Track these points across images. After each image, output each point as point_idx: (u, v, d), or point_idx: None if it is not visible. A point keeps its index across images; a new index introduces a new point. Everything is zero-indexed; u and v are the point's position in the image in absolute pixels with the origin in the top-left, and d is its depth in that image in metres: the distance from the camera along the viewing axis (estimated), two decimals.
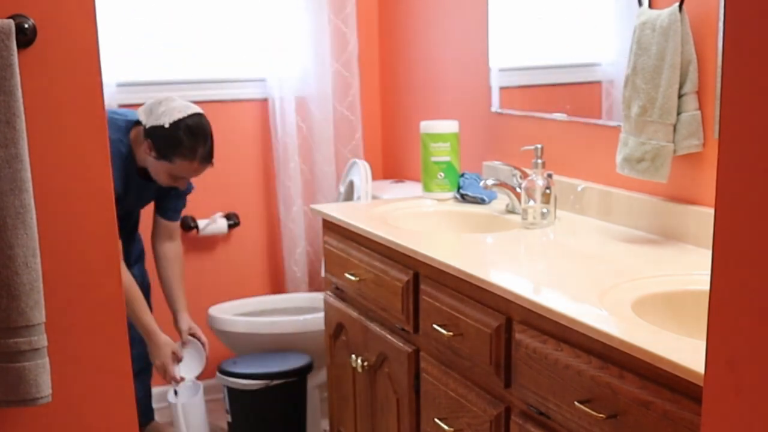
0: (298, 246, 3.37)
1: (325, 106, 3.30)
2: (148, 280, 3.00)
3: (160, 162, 2.58)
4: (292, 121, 3.31)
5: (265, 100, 3.30)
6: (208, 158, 2.61)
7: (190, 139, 2.56)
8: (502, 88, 2.70)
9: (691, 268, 1.73)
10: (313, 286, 3.44)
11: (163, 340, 2.76)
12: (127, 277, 2.65)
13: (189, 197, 3.09)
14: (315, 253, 3.42)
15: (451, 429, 1.90)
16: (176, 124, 2.55)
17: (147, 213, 2.94)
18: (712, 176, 1.64)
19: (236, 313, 3.14)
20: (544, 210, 2.22)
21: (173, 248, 2.92)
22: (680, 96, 1.87)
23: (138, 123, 2.65)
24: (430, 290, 1.98)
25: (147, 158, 2.61)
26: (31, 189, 1.36)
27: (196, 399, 2.81)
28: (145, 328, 2.73)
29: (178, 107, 2.58)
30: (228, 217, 3.34)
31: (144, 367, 2.91)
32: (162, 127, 2.55)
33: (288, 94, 3.27)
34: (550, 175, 2.25)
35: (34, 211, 1.37)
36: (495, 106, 2.72)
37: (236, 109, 3.30)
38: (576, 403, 1.46)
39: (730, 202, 0.79)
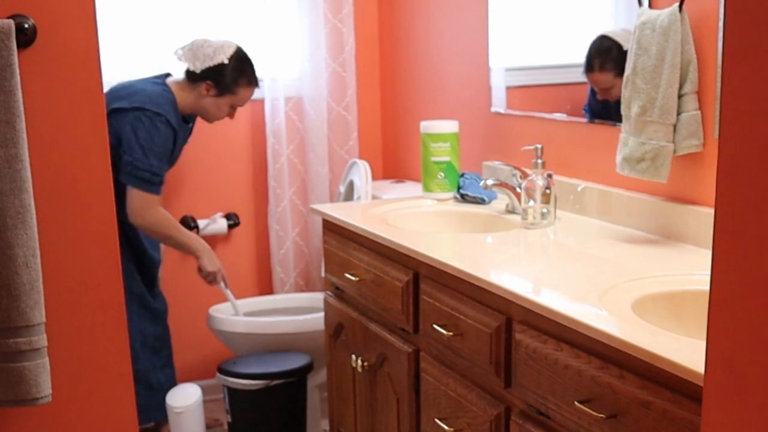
0: (294, 245, 3.38)
1: (320, 107, 3.30)
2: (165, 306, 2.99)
3: (223, 97, 2.81)
4: (291, 121, 3.31)
5: (263, 100, 3.30)
6: (258, 82, 2.91)
7: (248, 67, 2.83)
8: (502, 88, 2.70)
9: (691, 268, 1.73)
10: (310, 286, 3.44)
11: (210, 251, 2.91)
12: (160, 213, 2.73)
13: (189, 197, 3.09)
14: (311, 253, 3.42)
15: (451, 429, 1.90)
16: (235, 58, 2.79)
17: None
18: (712, 176, 1.64)
19: (236, 313, 3.14)
20: (544, 210, 2.22)
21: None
22: (680, 96, 1.87)
23: (167, 76, 2.84)
24: (430, 290, 1.98)
25: (204, 100, 2.80)
26: (31, 189, 1.36)
27: (195, 405, 2.80)
28: (192, 247, 2.84)
29: (222, 44, 2.80)
30: (228, 217, 3.34)
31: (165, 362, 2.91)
32: (223, 64, 2.77)
33: (285, 94, 3.27)
34: (550, 175, 2.25)
35: (34, 211, 1.37)
36: (495, 106, 2.72)
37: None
38: (576, 403, 1.46)
39: (730, 202, 0.79)
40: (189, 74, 2.81)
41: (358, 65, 3.39)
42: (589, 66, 2.34)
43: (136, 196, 2.67)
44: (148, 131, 2.67)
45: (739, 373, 0.79)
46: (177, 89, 2.81)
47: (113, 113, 2.65)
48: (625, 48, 2.14)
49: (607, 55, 2.30)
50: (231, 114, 2.91)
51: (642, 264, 1.81)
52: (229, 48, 2.80)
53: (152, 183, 2.69)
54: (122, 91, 2.77)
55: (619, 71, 2.15)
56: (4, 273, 1.35)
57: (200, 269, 2.90)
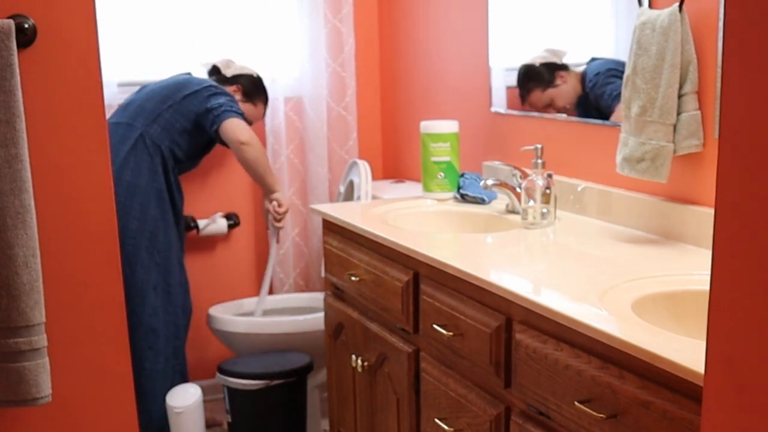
0: (294, 246, 3.38)
1: (320, 107, 3.30)
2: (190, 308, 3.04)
3: (245, 104, 3.05)
4: (290, 121, 3.31)
5: None
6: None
7: (265, 90, 3.13)
8: (502, 88, 2.70)
9: (691, 268, 1.73)
10: (310, 286, 3.44)
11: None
12: (258, 148, 2.92)
13: (189, 197, 3.10)
14: (311, 254, 3.42)
15: (451, 429, 1.90)
16: (258, 77, 3.12)
17: None
18: (712, 176, 1.64)
19: (236, 313, 3.14)
20: (544, 210, 2.22)
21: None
22: (680, 96, 1.87)
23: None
24: (430, 290, 1.98)
25: None
26: (31, 189, 1.36)
27: (195, 405, 2.80)
28: (273, 178, 3.02)
29: (247, 66, 3.12)
30: (228, 217, 3.33)
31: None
32: (253, 75, 3.10)
33: (285, 94, 3.27)
34: (550, 175, 2.25)
35: (34, 211, 1.37)
36: (495, 106, 2.72)
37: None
38: (576, 403, 1.46)
39: (730, 202, 0.79)
40: (220, 77, 3.06)
41: (357, 65, 3.39)
42: (523, 97, 2.57)
43: (234, 122, 2.87)
44: (224, 92, 2.95)
45: (739, 373, 0.79)
46: None
47: (187, 97, 2.90)
48: (537, 63, 2.49)
49: (527, 77, 2.54)
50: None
51: (642, 264, 1.81)
52: (253, 70, 3.13)
53: (243, 115, 2.93)
54: (179, 81, 2.97)
55: (543, 83, 2.48)
56: (4, 273, 1.35)
57: (271, 205, 3.01)
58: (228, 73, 3.06)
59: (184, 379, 2.95)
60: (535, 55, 2.51)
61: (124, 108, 2.94)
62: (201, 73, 3.11)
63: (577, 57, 2.39)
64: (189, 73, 3.07)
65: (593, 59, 2.34)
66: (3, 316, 1.36)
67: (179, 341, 2.94)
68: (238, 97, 3.03)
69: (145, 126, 2.85)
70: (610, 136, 2.16)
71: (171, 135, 2.88)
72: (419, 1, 3.15)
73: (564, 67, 2.41)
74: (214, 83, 2.97)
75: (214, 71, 3.08)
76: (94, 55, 1.43)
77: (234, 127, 2.86)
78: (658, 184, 2.02)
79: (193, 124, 2.90)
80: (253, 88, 3.08)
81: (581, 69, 2.37)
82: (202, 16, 3.22)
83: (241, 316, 3.12)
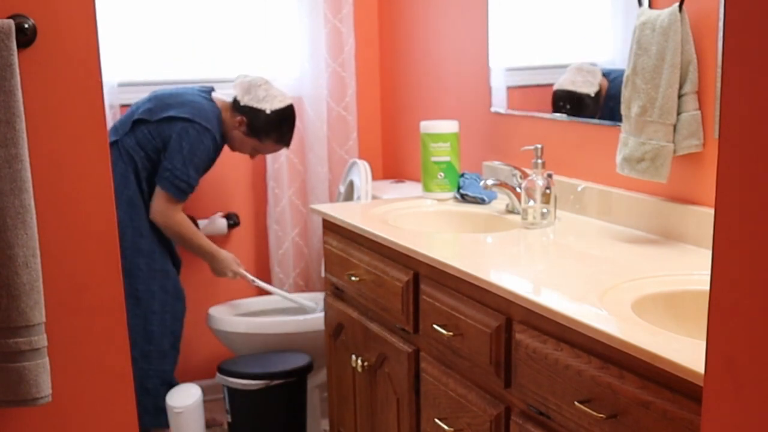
0: (294, 245, 3.38)
1: (320, 107, 3.30)
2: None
3: (249, 138, 2.93)
4: None
5: None
6: (289, 143, 3.01)
7: (284, 128, 2.94)
8: (502, 88, 2.70)
9: (691, 268, 1.73)
10: (310, 286, 3.44)
11: (225, 254, 3.01)
12: (180, 216, 2.88)
13: (189, 197, 3.10)
14: (311, 253, 3.42)
15: (451, 429, 1.90)
16: (278, 113, 2.90)
17: None
18: (712, 176, 1.64)
19: (236, 313, 3.14)
20: (544, 210, 2.22)
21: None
22: (680, 96, 1.87)
23: (210, 92, 2.95)
24: (430, 290, 1.98)
25: (234, 130, 2.93)
26: (31, 189, 1.36)
27: (195, 405, 2.80)
28: (204, 252, 2.97)
29: (278, 96, 2.92)
30: (228, 217, 3.34)
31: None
32: (263, 111, 2.88)
33: (287, 94, 3.27)
34: (550, 175, 2.25)
35: (34, 211, 1.37)
36: (495, 106, 2.72)
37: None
38: (576, 403, 1.46)
39: (730, 202, 0.79)
40: (234, 101, 2.93)
41: (357, 65, 3.39)
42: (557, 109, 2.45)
43: (163, 198, 2.84)
44: (192, 144, 2.81)
45: (738, 373, 0.79)
46: (222, 107, 2.93)
47: (164, 121, 2.81)
48: (592, 93, 2.33)
49: (577, 106, 2.39)
50: (252, 155, 3.02)
51: (642, 264, 1.81)
52: (279, 102, 2.92)
53: (183, 192, 2.85)
54: (170, 99, 2.87)
55: (589, 114, 2.32)
56: (4, 273, 1.35)
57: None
58: (243, 100, 2.89)
59: (163, 383, 2.91)
60: (574, 77, 2.38)
61: (129, 109, 2.93)
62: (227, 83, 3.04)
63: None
64: (207, 90, 2.94)
65: (615, 72, 2.26)
66: (3, 316, 1.36)
67: (151, 346, 2.87)
68: (243, 129, 2.91)
69: (122, 134, 2.83)
70: (610, 136, 2.16)
71: (146, 150, 2.83)
72: (419, 1, 3.15)
73: (599, 93, 2.34)
74: (197, 119, 2.81)
75: (233, 98, 2.94)
76: (94, 55, 1.43)
77: (162, 204, 2.82)
78: (658, 184, 2.02)
79: (164, 146, 2.83)
80: (261, 125, 2.89)
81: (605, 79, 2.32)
82: (202, 16, 3.22)
83: (241, 316, 3.12)
